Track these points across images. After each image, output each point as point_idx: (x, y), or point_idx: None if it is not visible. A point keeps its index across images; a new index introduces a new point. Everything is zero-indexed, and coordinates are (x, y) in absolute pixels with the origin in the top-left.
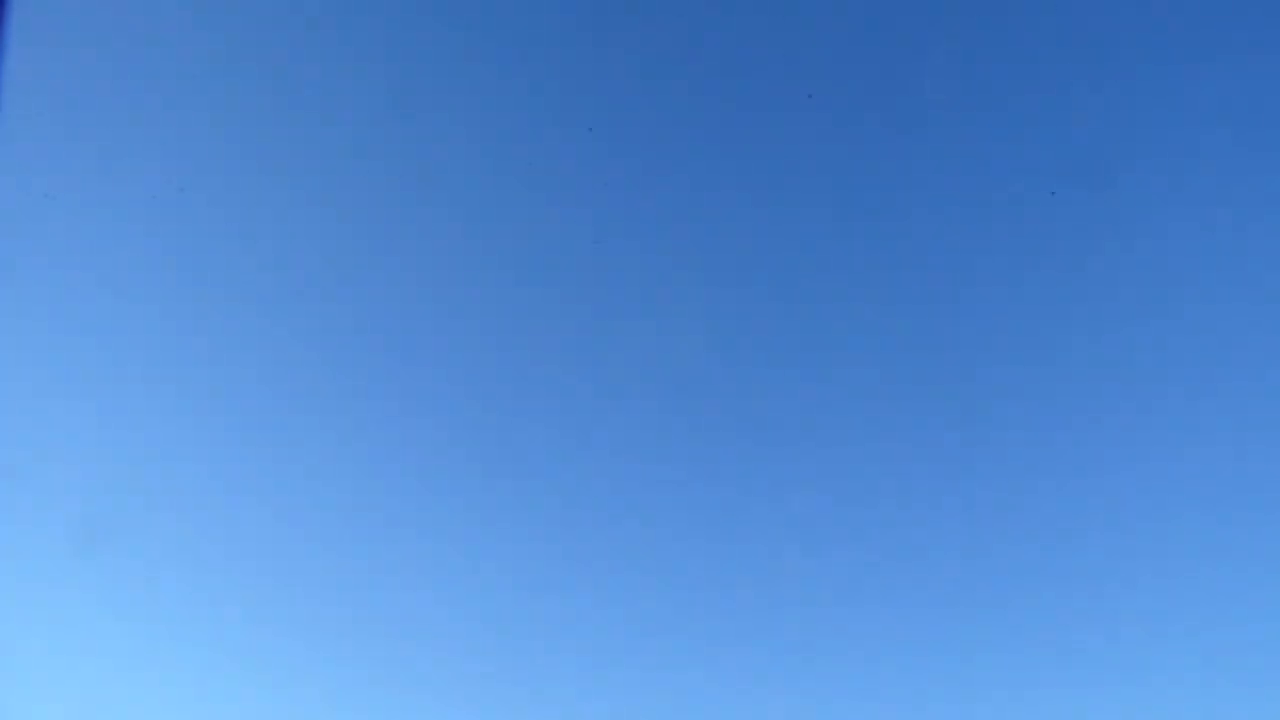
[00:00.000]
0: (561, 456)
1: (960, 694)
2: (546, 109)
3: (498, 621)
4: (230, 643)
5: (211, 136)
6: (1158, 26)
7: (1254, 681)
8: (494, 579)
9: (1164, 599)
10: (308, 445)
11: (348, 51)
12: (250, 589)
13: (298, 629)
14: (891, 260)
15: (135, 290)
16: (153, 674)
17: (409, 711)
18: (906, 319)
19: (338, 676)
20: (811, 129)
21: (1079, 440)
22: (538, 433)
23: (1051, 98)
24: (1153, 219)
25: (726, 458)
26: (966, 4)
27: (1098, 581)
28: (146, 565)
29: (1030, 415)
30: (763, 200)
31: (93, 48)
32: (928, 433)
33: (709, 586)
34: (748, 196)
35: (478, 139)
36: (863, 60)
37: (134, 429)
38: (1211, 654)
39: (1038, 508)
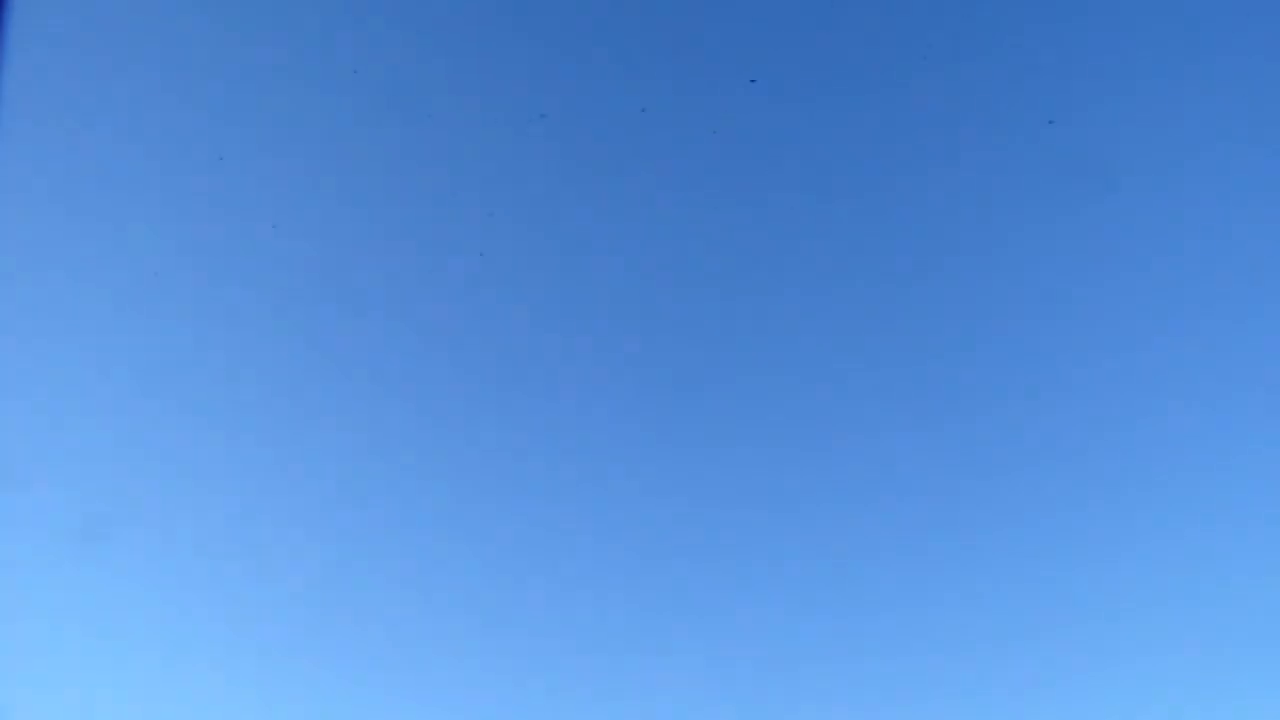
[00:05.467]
0: (556, 457)
1: (957, 695)
2: (530, 106)
3: (493, 622)
4: (231, 643)
5: (212, 135)
6: (1159, 24)
7: (1254, 681)
8: (489, 580)
9: (1163, 600)
10: (308, 445)
11: (346, 50)
12: (250, 589)
13: (300, 629)
14: (886, 260)
15: (135, 290)
16: (153, 674)
17: (409, 712)
18: (899, 319)
19: (340, 676)
20: (806, 126)
21: (1077, 442)
22: (533, 433)
23: (1051, 94)
24: (1152, 219)
25: (717, 458)
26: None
27: (1098, 582)
28: (146, 565)
29: (1026, 417)
30: (754, 199)
31: (92, 48)
32: (922, 434)
33: (702, 588)
34: (736, 195)
35: (469, 138)
36: (858, 57)
37: (134, 429)
38: (1211, 653)
39: (1035, 509)
